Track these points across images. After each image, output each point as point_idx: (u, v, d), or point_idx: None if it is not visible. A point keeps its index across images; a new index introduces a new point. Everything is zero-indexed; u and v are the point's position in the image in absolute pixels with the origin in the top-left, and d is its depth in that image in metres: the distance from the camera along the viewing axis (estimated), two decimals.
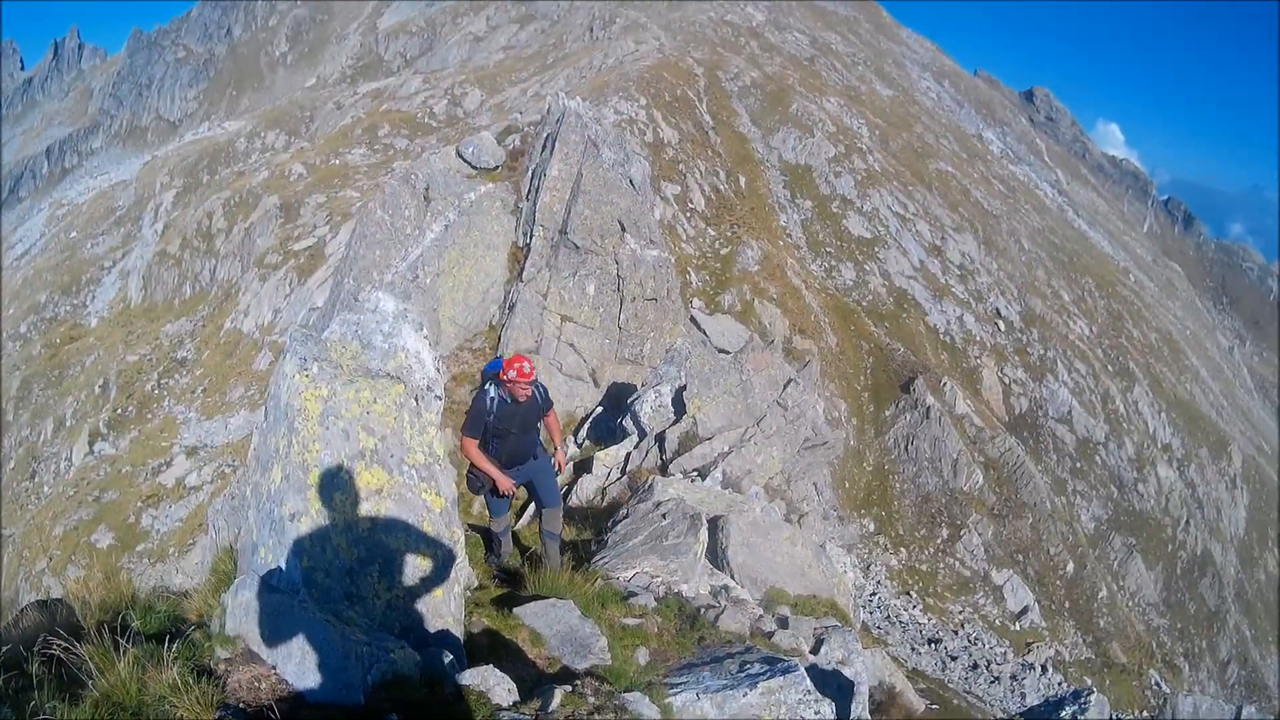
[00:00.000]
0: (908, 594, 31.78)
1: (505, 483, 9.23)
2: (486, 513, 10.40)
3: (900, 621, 29.75)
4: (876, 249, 47.62)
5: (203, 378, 44.67)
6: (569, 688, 5.43)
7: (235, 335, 45.90)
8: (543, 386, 9.59)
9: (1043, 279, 56.28)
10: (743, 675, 5.83)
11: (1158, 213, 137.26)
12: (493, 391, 9.06)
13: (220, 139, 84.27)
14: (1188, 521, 44.54)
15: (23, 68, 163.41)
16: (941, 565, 33.17)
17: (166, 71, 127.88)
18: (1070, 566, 35.19)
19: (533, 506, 11.90)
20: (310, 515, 5.47)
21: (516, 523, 13.48)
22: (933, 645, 28.95)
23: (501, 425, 9.12)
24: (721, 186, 45.23)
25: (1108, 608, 35.07)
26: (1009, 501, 35.85)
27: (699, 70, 57.70)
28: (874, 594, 30.64)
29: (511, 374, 8.85)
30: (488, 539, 10.75)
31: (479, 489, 9.55)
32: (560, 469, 10.37)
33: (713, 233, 41.15)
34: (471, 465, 9.30)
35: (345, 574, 5.55)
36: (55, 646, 4.49)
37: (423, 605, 5.83)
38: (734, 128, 52.76)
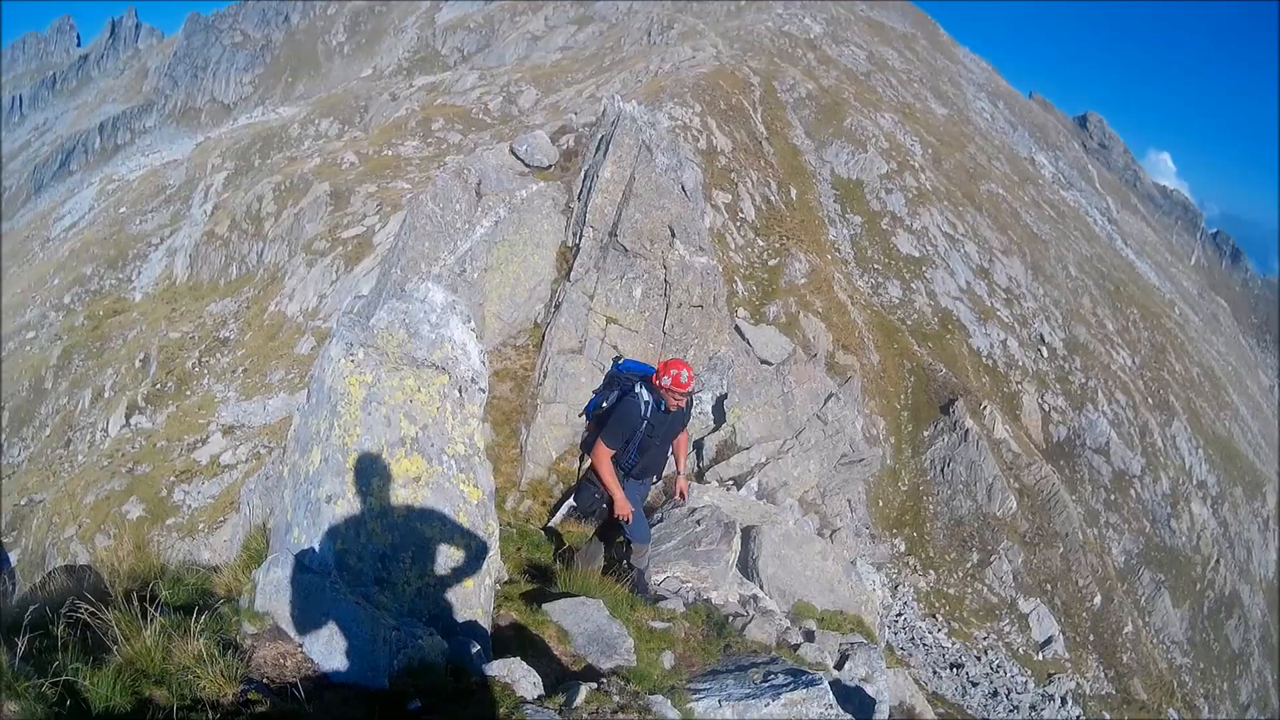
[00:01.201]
0: (934, 616, 31.56)
1: (626, 507, 8.26)
2: (520, 509, 10.33)
3: (924, 644, 29.55)
4: (924, 268, 47.36)
5: (244, 358, 44.98)
6: (594, 685, 5.43)
7: (279, 318, 46.20)
8: (690, 396, 8.43)
9: (1088, 307, 55.78)
10: (766, 685, 5.81)
11: (1205, 245, 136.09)
12: (646, 395, 8.09)
13: (274, 124, 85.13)
14: (1218, 561, 43.98)
15: (79, 44, 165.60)
16: (970, 590, 32.90)
17: (223, 55, 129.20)
18: (1098, 599, 34.80)
19: (573, 500, 11.70)
20: (347, 499, 5.49)
21: (550, 520, 13.49)
22: (955, 670, 28.72)
23: (653, 436, 8.26)
24: (772, 197, 45.11)
25: (1132, 643, 34.64)
26: (1041, 530, 35.50)
27: (755, 80, 57.58)
28: (900, 614, 30.45)
29: (667, 380, 7.92)
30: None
31: (591, 508, 8.72)
32: (683, 496, 9.42)
33: (761, 243, 41.04)
34: (590, 477, 8.46)
35: (378, 559, 5.57)
36: (82, 610, 4.50)
37: (453, 595, 5.84)
38: (787, 139, 52.62)
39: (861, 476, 30.60)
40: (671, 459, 9.18)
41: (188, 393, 44.42)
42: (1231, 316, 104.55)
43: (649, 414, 8.05)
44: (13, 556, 32.96)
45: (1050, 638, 32.22)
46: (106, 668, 4.20)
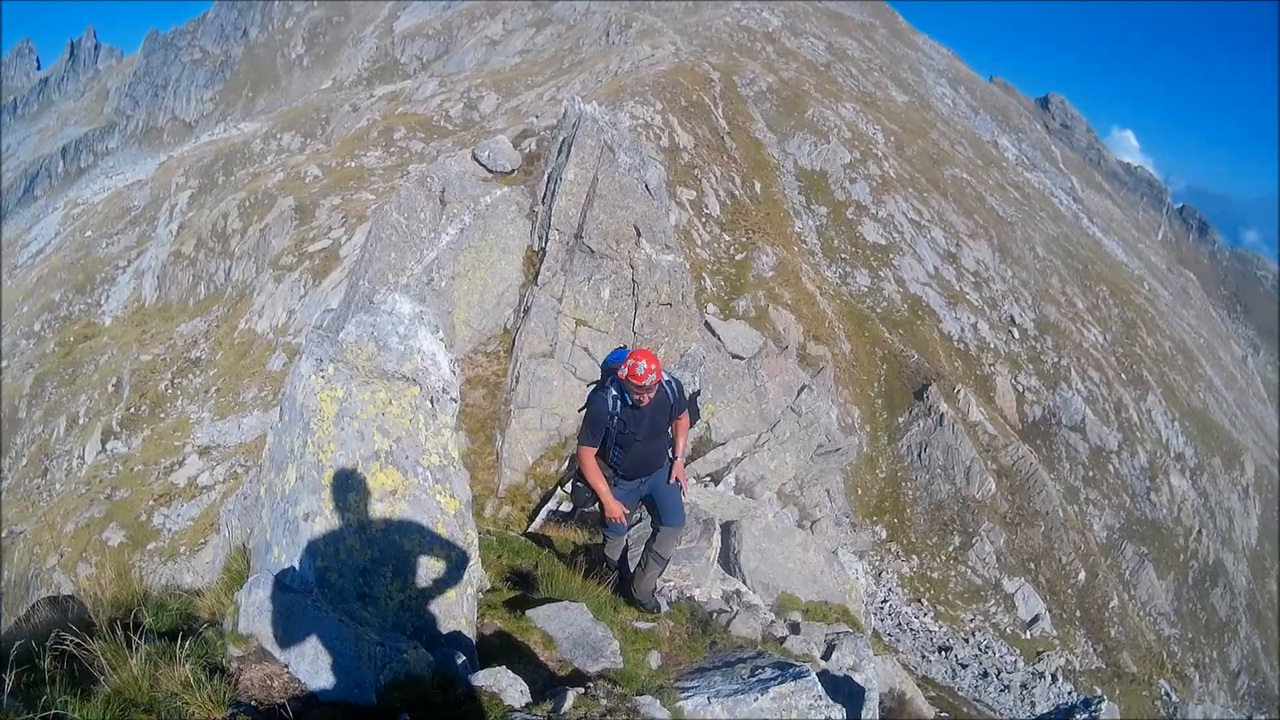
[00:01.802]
0: (919, 601, 31.75)
1: (615, 509, 7.93)
2: (499, 516, 10.32)
3: (911, 629, 29.72)
4: (891, 255, 47.57)
5: (216, 378, 44.77)
6: (581, 690, 5.44)
7: (249, 336, 46.01)
8: (677, 383, 8.08)
9: (1057, 286, 56.15)
10: (754, 680, 5.82)
11: (1172, 220, 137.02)
12: (614, 391, 7.67)
13: (236, 140, 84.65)
14: (1200, 531, 44.35)
15: (39, 67, 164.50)
16: (953, 573, 33.10)
17: (183, 72, 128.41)
18: (1082, 575, 35.07)
19: (552, 504, 11.72)
20: (324, 515, 5.47)
21: (530, 525, 13.46)
22: (943, 653, 28.91)
23: (627, 432, 7.75)
24: (737, 192, 45.20)
25: (1118, 617, 34.94)
26: (1021, 510, 35.76)
27: (715, 75, 57.69)
28: (885, 601, 30.63)
29: (624, 373, 7.38)
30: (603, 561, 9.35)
31: (586, 502, 8.42)
32: (682, 486, 8.48)
33: (728, 238, 41.10)
34: (579, 476, 8.07)
35: (358, 574, 5.54)
36: (68, 642, 4.49)
37: (436, 606, 5.82)
38: (750, 133, 52.75)
39: (839, 466, 30.74)
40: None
41: (162, 415, 44.17)
42: (1200, 289, 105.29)
43: (617, 409, 7.62)
44: None
45: (1036, 616, 32.46)
46: (95, 699, 4.19)
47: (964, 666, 28.53)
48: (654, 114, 46.06)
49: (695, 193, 42.11)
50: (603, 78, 63.75)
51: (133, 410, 45.33)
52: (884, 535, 34.16)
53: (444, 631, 5.80)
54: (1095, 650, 33.35)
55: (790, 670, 5.85)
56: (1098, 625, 34.15)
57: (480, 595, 7.60)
